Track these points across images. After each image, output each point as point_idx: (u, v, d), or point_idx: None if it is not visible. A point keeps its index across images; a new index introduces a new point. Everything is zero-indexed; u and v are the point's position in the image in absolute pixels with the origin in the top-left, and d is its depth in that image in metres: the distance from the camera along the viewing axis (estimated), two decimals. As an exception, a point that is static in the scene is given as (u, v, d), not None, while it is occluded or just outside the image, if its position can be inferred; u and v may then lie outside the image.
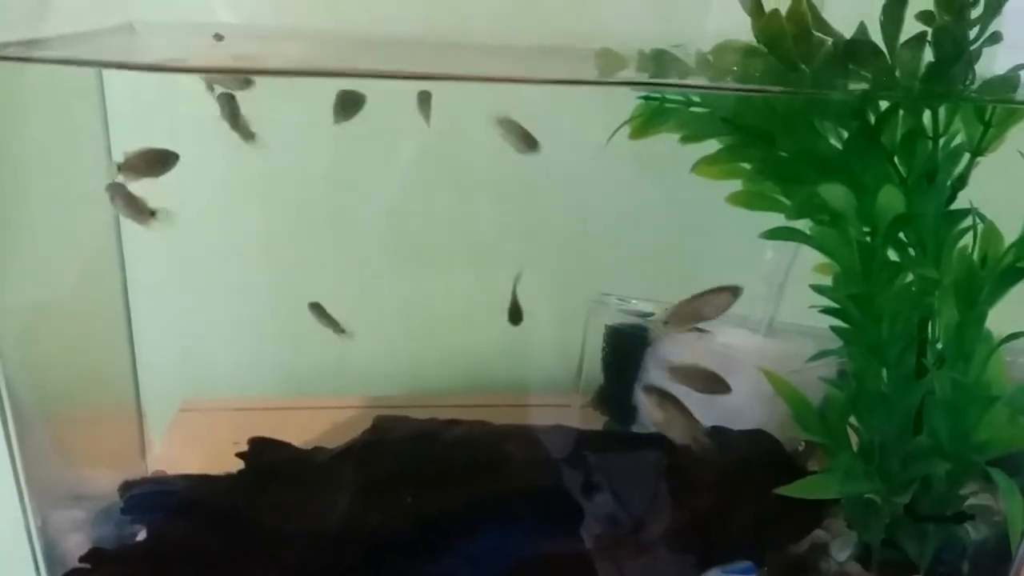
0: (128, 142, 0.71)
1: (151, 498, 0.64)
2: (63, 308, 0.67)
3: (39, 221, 0.65)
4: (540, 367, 0.82)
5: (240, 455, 0.67)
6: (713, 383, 0.61)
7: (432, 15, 0.71)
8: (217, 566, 0.59)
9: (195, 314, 0.87)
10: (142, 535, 0.63)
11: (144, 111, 0.72)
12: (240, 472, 0.66)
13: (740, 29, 0.57)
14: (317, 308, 0.71)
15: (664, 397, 0.61)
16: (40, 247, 0.65)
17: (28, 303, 0.63)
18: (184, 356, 0.87)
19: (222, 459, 0.68)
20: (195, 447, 0.79)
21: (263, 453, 0.66)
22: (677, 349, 0.75)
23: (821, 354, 0.65)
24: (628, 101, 0.64)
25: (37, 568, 0.62)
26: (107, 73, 0.70)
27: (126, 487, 0.65)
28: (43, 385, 0.64)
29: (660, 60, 0.61)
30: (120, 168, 0.60)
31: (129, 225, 0.74)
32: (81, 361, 0.73)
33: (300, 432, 0.72)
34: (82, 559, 0.59)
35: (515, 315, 0.70)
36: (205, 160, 0.67)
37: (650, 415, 0.62)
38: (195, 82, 0.68)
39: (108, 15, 0.66)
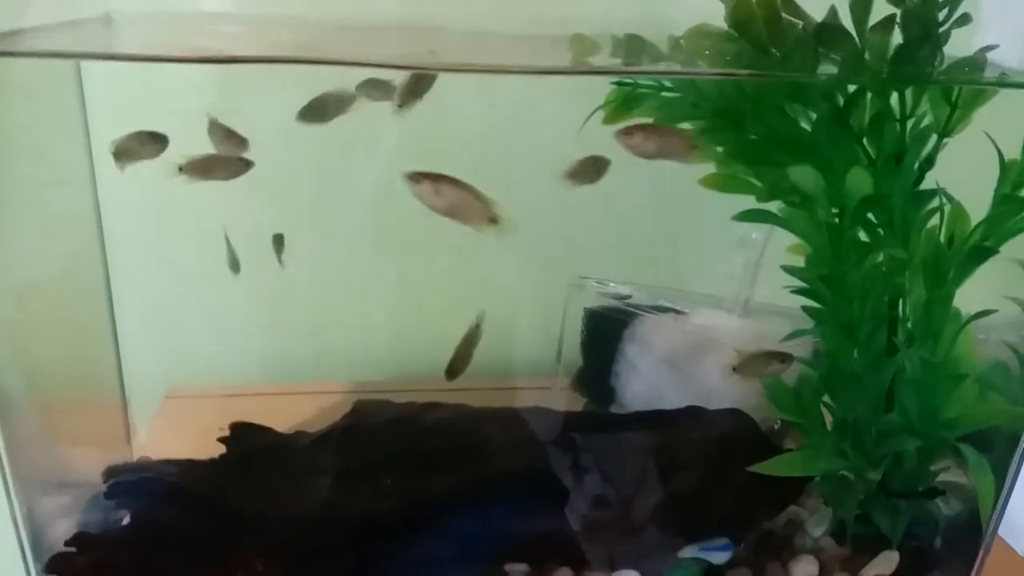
0: (108, 131, 0.72)
1: (135, 483, 0.64)
2: (46, 296, 0.68)
3: (21, 210, 0.65)
4: (520, 351, 0.82)
5: (222, 440, 0.67)
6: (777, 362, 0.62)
7: (411, 3, 0.71)
8: (201, 549, 0.60)
9: (180, 301, 0.88)
10: (127, 521, 0.64)
11: (124, 99, 0.72)
12: (222, 456, 0.66)
13: (716, 13, 0.57)
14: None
15: (438, 179, 0.57)
16: (22, 236, 0.65)
17: (11, 291, 0.64)
18: (169, 343, 0.88)
19: (208, 445, 0.69)
20: (181, 434, 0.80)
21: (244, 438, 0.67)
22: (655, 330, 0.76)
23: (795, 334, 0.66)
24: (602, 86, 0.65)
25: (24, 554, 0.62)
26: (84, 63, 0.70)
27: (110, 473, 0.65)
28: (27, 373, 0.65)
29: (632, 45, 0.61)
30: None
31: (110, 212, 0.74)
32: (65, 349, 0.73)
33: (285, 417, 0.73)
34: (67, 543, 0.59)
35: (452, 371, 0.67)
36: (187, 146, 0.67)
37: (429, 203, 0.58)
38: (175, 69, 0.68)
39: (85, 5, 0.66)
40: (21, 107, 0.64)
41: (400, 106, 0.59)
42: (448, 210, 0.57)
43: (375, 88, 0.62)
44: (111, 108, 0.71)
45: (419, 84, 0.60)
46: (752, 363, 0.63)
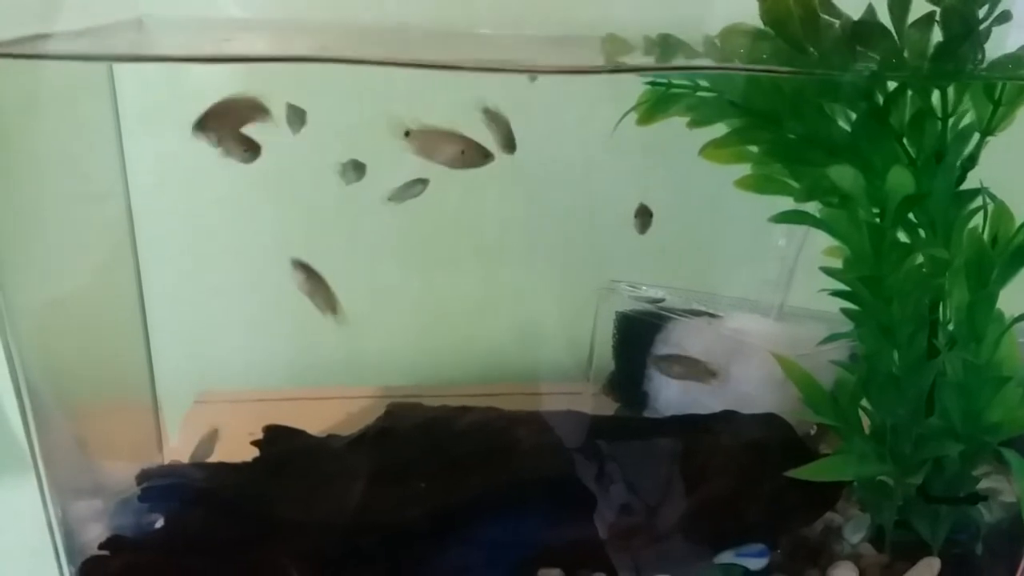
0: (140, 139, 0.72)
1: (168, 486, 0.64)
2: (80, 304, 0.68)
3: (55, 218, 0.66)
4: (551, 356, 0.82)
5: (255, 443, 0.67)
6: (700, 371, 0.62)
7: (439, 5, 0.71)
8: (233, 553, 0.60)
9: (209, 308, 0.88)
10: (160, 524, 0.64)
11: (156, 108, 0.72)
12: (255, 460, 0.66)
13: (748, 13, 0.57)
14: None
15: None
16: (56, 244, 0.65)
17: (45, 299, 0.64)
18: (199, 349, 0.88)
19: (237, 450, 0.69)
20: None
21: (277, 441, 0.67)
22: (688, 334, 0.75)
23: (832, 337, 0.65)
24: (635, 87, 0.64)
25: (58, 557, 0.63)
26: (118, 70, 0.70)
27: (143, 476, 0.65)
28: (61, 380, 0.65)
29: (666, 44, 0.61)
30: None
31: (143, 220, 0.75)
32: (98, 356, 0.73)
33: (314, 422, 0.73)
34: (101, 546, 0.59)
35: None
36: (218, 156, 0.67)
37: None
38: (207, 74, 0.68)
39: (117, 10, 0.67)
40: (55, 114, 0.65)
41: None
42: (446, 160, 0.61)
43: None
44: (144, 114, 0.72)
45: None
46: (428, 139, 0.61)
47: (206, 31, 0.69)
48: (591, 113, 0.71)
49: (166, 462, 0.74)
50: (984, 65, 0.56)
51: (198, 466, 0.66)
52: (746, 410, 0.70)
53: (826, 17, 0.56)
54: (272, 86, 0.65)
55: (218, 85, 0.69)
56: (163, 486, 0.64)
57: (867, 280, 0.60)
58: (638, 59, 0.62)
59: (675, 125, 0.64)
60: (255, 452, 0.68)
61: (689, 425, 0.71)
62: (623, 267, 0.81)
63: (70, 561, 0.62)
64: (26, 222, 0.63)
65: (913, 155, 0.59)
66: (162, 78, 0.71)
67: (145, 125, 0.73)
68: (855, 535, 0.68)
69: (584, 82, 0.67)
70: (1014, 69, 0.56)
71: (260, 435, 0.68)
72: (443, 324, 0.91)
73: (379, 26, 0.69)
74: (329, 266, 0.84)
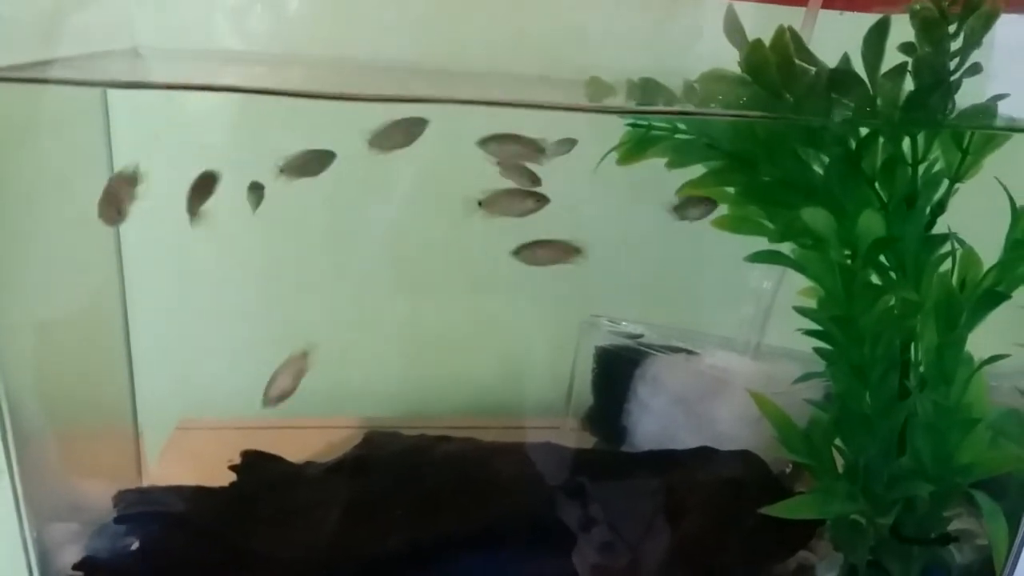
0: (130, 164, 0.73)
1: (145, 509, 0.64)
2: (64, 326, 0.68)
3: (43, 240, 0.66)
4: (533, 389, 0.82)
5: (232, 467, 0.67)
6: (561, 251, 0.62)
7: (431, 45, 0.73)
8: (208, 577, 0.60)
9: (193, 334, 0.88)
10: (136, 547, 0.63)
11: (148, 135, 0.73)
12: (232, 485, 0.66)
13: (729, 59, 0.58)
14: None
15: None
16: (43, 266, 0.66)
17: (30, 320, 0.64)
18: (182, 375, 0.88)
19: (217, 476, 0.69)
20: (191, 465, 0.80)
21: (255, 466, 0.67)
22: (667, 370, 0.76)
23: (806, 376, 0.66)
24: (616, 128, 0.66)
25: (31, 576, 0.62)
26: (112, 98, 0.71)
27: (120, 498, 0.65)
28: (43, 401, 0.65)
29: (647, 88, 0.62)
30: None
31: (130, 246, 0.75)
32: (80, 378, 0.74)
33: (295, 451, 0.73)
34: (75, 567, 0.59)
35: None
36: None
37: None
38: (199, 104, 0.70)
39: (113, 40, 0.68)
40: (48, 138, 0.66)
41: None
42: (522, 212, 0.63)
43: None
44: (137, 143, 0.73)
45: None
46: (499, 200, 0.62)
47: (200, 62, 0.70)
48: (575, 151, 0.72)
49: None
50: (954, 115, 0.58)
51: (174, 490, 0.66)
52: (722, 447, 0.70)
53: (802, 64, 0.57)
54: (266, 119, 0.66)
55: (209, 115, 0.71)
56: (140, 508, 0.64)
57: (839, 320, 0.61)
58: (619, 102, 0.64)
59: (655, 165, 0.66)
60: (233, 478, 0.68)
61: (665, 461, 0.72)
62: (605, 302, 0.82)
63: (43, 582, 0.62)
64: (13, 244, 0.63)
65: (884, 199, 0.60)
66: (155, 107, 0.73)
67: (137, 153, 0.74)
68: (828, 574, 0.69)
69: (570, 122, 0.68)
70: (982, 119, 0.58)
71: (239, 460, 0.69)
72: (426, 356, 0.91)
73: (372, 62, 0.70)
74: (314, 296, 0.85)
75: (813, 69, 0.57)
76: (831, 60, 0.58)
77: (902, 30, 0.56)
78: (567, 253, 0.64)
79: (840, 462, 0.66)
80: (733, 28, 0.57)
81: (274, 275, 0.87)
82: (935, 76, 0.57)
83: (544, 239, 0.64)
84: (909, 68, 0.56)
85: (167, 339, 0.85)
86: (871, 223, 0.58)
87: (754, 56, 0.57)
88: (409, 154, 0.65)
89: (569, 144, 0.63)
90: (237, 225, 0.82)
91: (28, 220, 0.65)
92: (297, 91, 0.60)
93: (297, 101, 0.64)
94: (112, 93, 0.71)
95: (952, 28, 0.55)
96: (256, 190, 0.65)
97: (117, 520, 0.63)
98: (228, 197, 0.80)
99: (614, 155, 0.66)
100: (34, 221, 0.65)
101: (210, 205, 0.79)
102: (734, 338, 0.76)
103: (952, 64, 0.56)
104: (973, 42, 0.56)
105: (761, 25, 0.57)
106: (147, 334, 0.78)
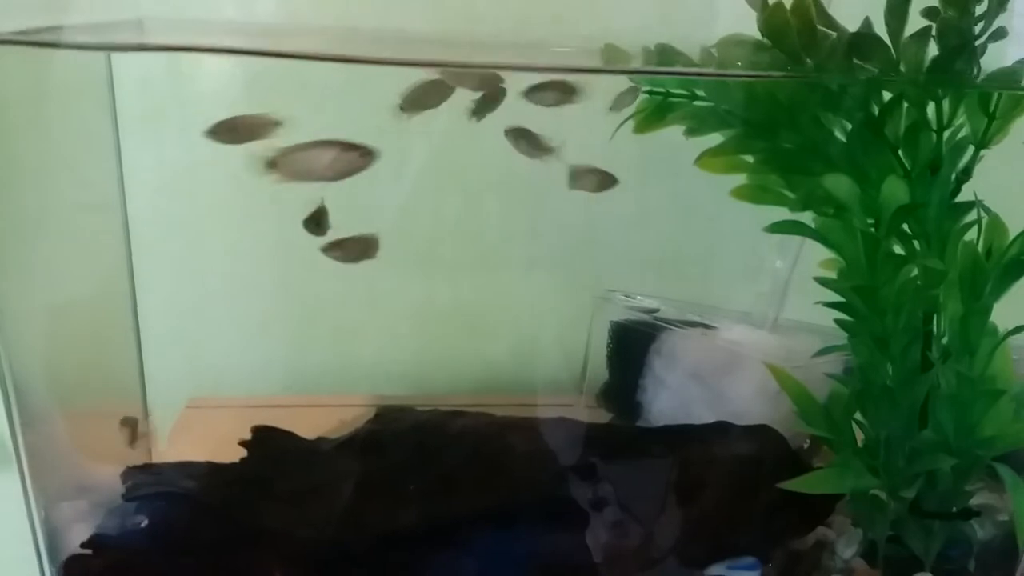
0: (137, 143, 0.72)
1: (154, 486, 0.64)
2: (72, 306, 0.68)
3: (49, 221, 0.66)
4: (546, 365, 0.82)
5: (243, 443, 0.67)
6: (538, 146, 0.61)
7: (442, 14, 0.72)
8: (218, 554, 0.59)
9: (202, 312, 0.88)
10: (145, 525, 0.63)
11: (154, 112, 0.72)
12: (243, 460, 0.66)
13: (747, 27, 0.57)
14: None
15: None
16: (49, 246, 0.65)
17: (37, 301, 0.64)
18: (191, 354, 0.88)
19: (228, 455, 0.68)
20: (201, 444, 0.79)
21: (265, 442, 0.67)
22: (683, 345, 0.75)
23: (826, 349, 0.65)
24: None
25: (40, 557, 0.62)
26: (117, 72, 0.70)
27: (128, 475, 0.65)
28: (51, 382, 0.65)
29: (664, 54, 0.61)
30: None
31: (137, 225, 0.75)
32: (89, 358, 0.73)
33: (306, 429, 0.72)
34: (83, 545, 0.59)
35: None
36: (213, 160, 0.67)
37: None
38: (206, 78, 0.69)
39: (118, 10, 0.67)
40: (53, 115, 0.65)
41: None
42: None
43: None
44: (142, 118, 0.72)
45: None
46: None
47: (206, 33, 0.69)
48: (589, 122, 0.71)
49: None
50: (980, 79, 0.56)
51: (184, 466, 0.66)
52: (740, 421, 0.69)
53: (823, 29, 0.56)
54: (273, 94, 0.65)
55: (217, 89, 0.70)
56: (149, 485, 0.64)
57: (861, 290, 0.60)
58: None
59: (673, 135, 0.64)
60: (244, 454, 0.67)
61: (682, 436, 0.71)
62: (619, 276, 0.81)
63: (52, 562, 0.61)
64: (20, 225, 0.63)
65: (908, 166, 0.59)
66: (161, 81, 0.72)
67: (143, 130, 0.73)
68: (847, 550, 0.68)
69: (581, 91, 0.67)
70: (1009, 82, 0.57)
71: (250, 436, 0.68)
72: (439, 332, 0.91)
73: (380, 32, 0.69)
74: (325, 273, 0.84)
75: (834, 33, 0.56)
76: (851, 25, 0.57)
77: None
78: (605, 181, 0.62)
79: (860, 436, 0.66)
80: (752, -10, 0.56)
81: (284, 253, 0.86)
82: (960, 39, 0.55)
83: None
84: (933, 33, 0.55)
85: (177, 318, 0.84)
86: (895, 190, 0.57)
87: (774, 20, 0.55)
88: (422, 128, 0.64)
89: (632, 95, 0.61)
90: (246, 202, 0.82)
91: (33, 198, 0.64)
92: (306, 53, 0.59)
93: (307, 75, 0.63)
94: (117, 68, 0.70)
95: (976, -9, 0.54)
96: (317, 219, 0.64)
97: (126, 497, 0.63)
98: (235, 175, 0.79)
99: (629, 124, 0.65)
100: (40, 199, 0.65)
101: (218, 182, 0.79)
102: (752, 312, 0.75)
103: (976, 28, 0.55)
104: (998, 5, 0.54)
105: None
106: (157, 313, 0.78)
